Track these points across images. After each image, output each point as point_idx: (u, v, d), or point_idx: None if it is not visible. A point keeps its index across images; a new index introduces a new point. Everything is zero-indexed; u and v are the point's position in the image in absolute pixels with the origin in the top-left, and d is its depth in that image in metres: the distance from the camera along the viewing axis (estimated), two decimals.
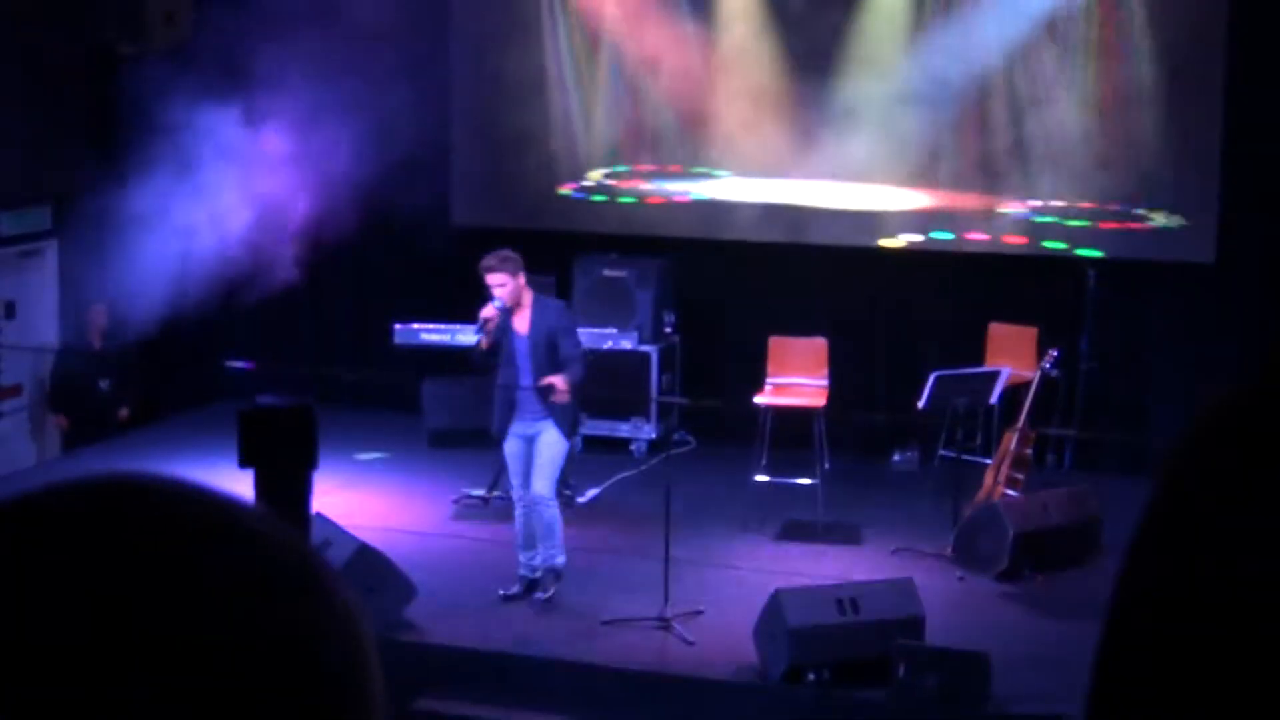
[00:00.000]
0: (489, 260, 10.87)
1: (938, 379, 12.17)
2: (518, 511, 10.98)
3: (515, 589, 10.91)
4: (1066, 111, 14.12)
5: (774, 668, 9.57)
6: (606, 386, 14.08)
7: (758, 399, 13.21)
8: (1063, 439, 13.69)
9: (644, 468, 13.77)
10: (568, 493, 13.07)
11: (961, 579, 11.31)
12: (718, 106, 14.81)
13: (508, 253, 10.91)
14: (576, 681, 9.83)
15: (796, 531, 12.40)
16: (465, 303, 13.91)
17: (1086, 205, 14.15)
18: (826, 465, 12.92)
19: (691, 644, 10.12)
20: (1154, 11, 13.86)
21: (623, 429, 14.66)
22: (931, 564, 11.59)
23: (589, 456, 14.19)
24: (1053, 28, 14.12)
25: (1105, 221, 14.13)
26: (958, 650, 9.55)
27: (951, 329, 14.05)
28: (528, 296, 10.86)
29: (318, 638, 0.90)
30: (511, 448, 10.94)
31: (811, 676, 9.45)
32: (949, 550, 11.72)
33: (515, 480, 10.98)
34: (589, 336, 13.66)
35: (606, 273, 14.65)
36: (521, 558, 10.99)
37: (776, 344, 13.73)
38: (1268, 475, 0.75)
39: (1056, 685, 9.55)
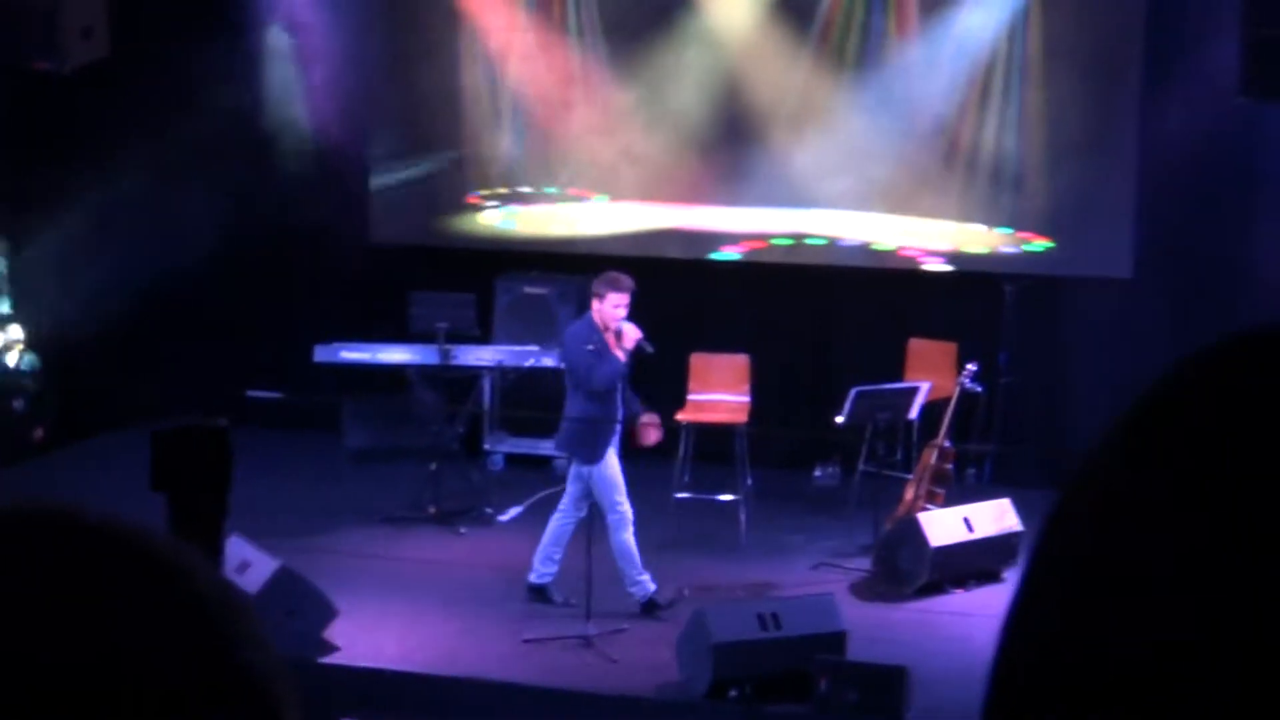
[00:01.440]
0: (624, 281, 10.90)
1: (858, 394, 12.23)
2: (626, 535, 10.93)
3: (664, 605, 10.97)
4: (984, 130, 14.21)
5: (697, 684, 9.57)
6: (528, 404, 14.07)
7: (679, 416, 13.22)
8: (982, 453, 13.77)
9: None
10: (489, 511, 13.04)
11: (881, 593, 11.35)
12: (633, 129, 14.84)
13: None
14: (498, 701, 9.78)
15: (718, 548, 12.41)
16: (383, 321, 13.91)
17: (1002, 223, 14.24)
18: (748, 481, 12.94)
19: (614, 661, 10.11)
20: (1070, 31, 13.97)
21: (544, 447, 14.62)
22: (852, 579, 11.63)
23: (510, 475, 14.18)
24: (973, 49, 14.21)
25: (1023, 237, 14.23)
26: (878, 665, 9.57)
27: (871, 345, 14.10)
28: None
29: (225, 671, 0.89)
30: (613, 470, 10.92)
31: (734, 693, 9.45)
32: (869, 565, 11.76)
33: (626, 504, 10.95)
34: (509, 354, 13.65)
35: (527, 290, 14.63)
36: (642, 578, 11.01)
37: (698, 360, 13.75)
38: (1162, 484, 0.75)
39: (976, 699, 9.57)
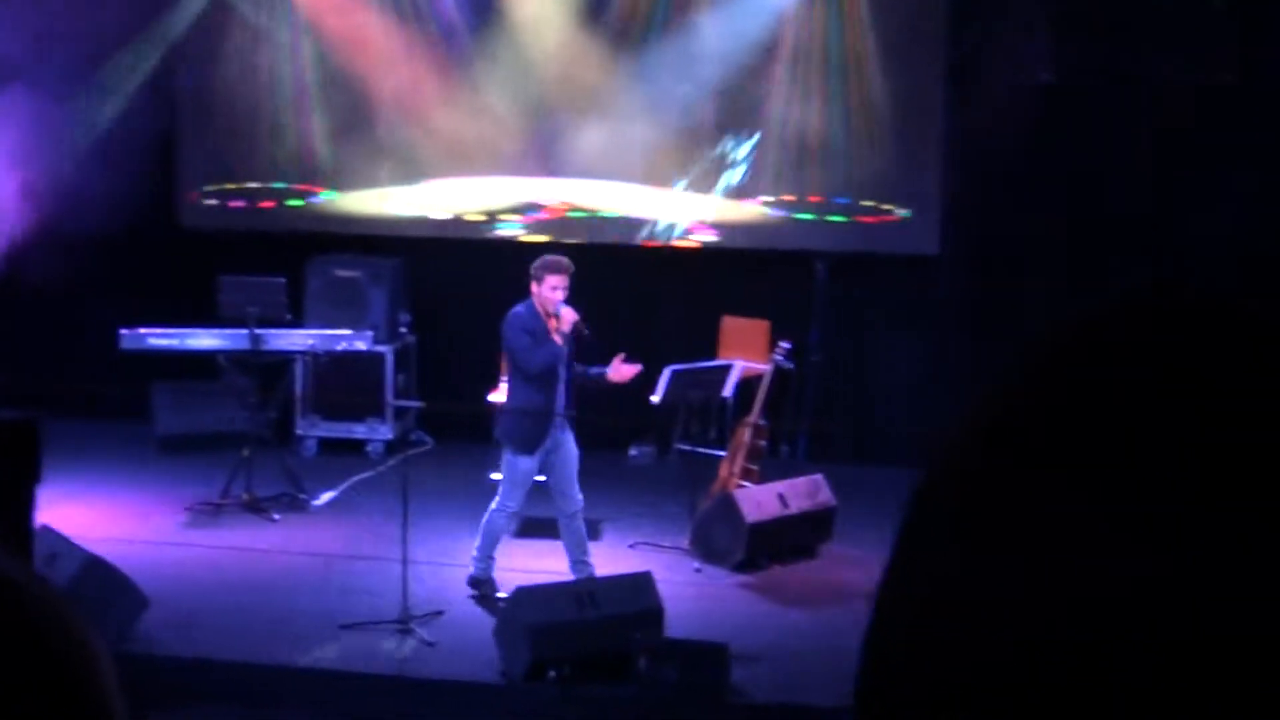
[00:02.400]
0: (563, 263, 10.68)
1: (673, 373, 12.27)
2: (502, 520, 10.83)
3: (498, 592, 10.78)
4: (795, 108, 14.33)
5: (515, 666, 9.55)
6: (341, 388, 13.96)
7: (493, 397, 13.18)
8: (795, 430, 13.89)
9: (381, 469, 13.63)
10: (303, 497, 12.92)
11: (699, 570, 11.41)
12: (446, 110, 14.79)
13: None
14: (316, 688, 9.70)
15: (535, 528, 12.39)
16: (191, 305, 13.70)
17: (814, 199, 14.38)
18: None
19: (432, 645, 10.06)
20: (874, 6, 14.12)
21: (358, 430, 14.55)
22: (669, 557, 11.68)
23: (324, 459, 14.07)
24: (785, 28, 14.32)
25: (832, 215, 14.37)
26: (697, 642, 9.63)
27: (685, 323, 14.17)
28: None
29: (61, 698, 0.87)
30: (530, 464, 10.74)
31: (553, 674, 9.45)
32: (686, 543, 11.82)
33: (521, 498, 10.80)
34: (321, 338, 13.52)
35: (339, 273, 14.51)
36: (484, 556, 10.90)
37: None
38: (1018, 475, 0.75)
39: (795, 674, 9.70)
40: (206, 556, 11.69)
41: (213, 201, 15.21)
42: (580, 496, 10.83)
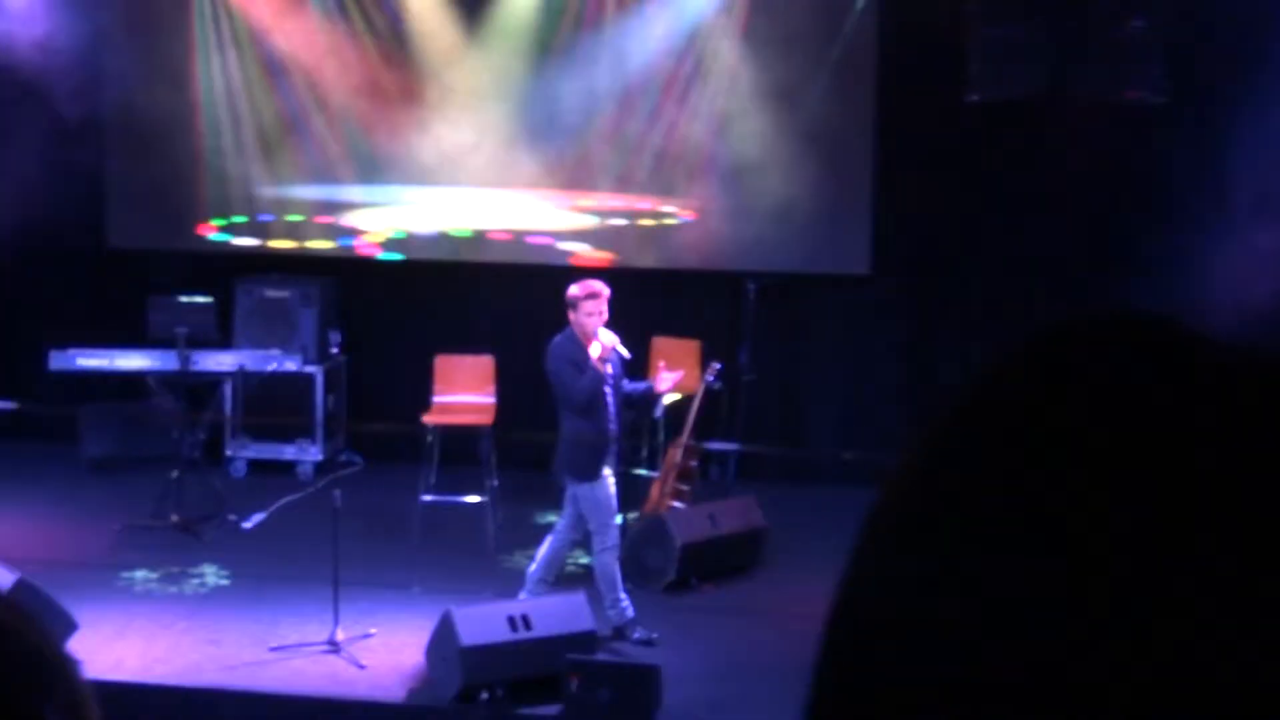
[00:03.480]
0: (600, 287, 10.36)
1: None
2: (608, 558, 10.48)
3: (635, 634, 10.55)
4: (723, 129, 14.38)
5: (447, 688, 9.52)
6: (271, 409, 13.90)
7: (425, 418, 13.16)
8: (726, 451, 13.91)
9: (310, 490, 13.59)
10: (233, 518, 12.84)
11: (631, 590, 11.40)
12: (375, 128, 14.80)
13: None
14: (246, 711, 9.64)
15: (467, 549, 12.37)
16: (120, 326, 13.62)
17: (743, 220, 14.42)
18: (494, 483, 12.92)
19: (363, 667, 10.02)
20: (808, 31, 14.18)
21: (287, 452, 14.49)
22: None
23: (254, 480, 13.99)
24: (708, 48, 14.37)
25: (764, 235, 14.41)
26: (629, 664, 9.63)
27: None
28: None
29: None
30: (605, 492, 10.40)
31: (485, 696, 9.43)
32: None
33: (614, 527, 10.50)
34: (251, 359, 13.46)
35: (269, 293, 14.46)
36: (621, 602, 10.59)
37: (442, 362, 13.69)
38: (971, 492, 0.77)
39: (727, 694, 9.71)
40: (134, 580, 11.60)
41: (141, 222, 15.10)
42: (616, 531, 10.56)
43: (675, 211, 14.62)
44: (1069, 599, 0.71)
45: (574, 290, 10.43)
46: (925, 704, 0.74)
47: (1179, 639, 0.70)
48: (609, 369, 10.38)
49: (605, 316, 10.32)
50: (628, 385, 10.57)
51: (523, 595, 10.63)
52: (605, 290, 10.38)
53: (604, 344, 10.27)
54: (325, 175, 14.99)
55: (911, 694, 0.75)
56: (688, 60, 14.42)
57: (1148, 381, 0.76)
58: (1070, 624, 0.71)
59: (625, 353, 10.41)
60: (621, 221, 14.73)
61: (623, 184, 14.64)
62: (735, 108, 14.37)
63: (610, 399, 10.40)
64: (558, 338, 10.45)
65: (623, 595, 10.58)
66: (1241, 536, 0.71)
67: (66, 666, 0.93)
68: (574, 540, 10.72)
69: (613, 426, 10.42)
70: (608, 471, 10.42)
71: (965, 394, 0.82)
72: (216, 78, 14.92)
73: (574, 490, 10.48)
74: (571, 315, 10.37)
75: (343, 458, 13.95)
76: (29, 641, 0.91)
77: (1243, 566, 0.70)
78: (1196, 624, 0.70)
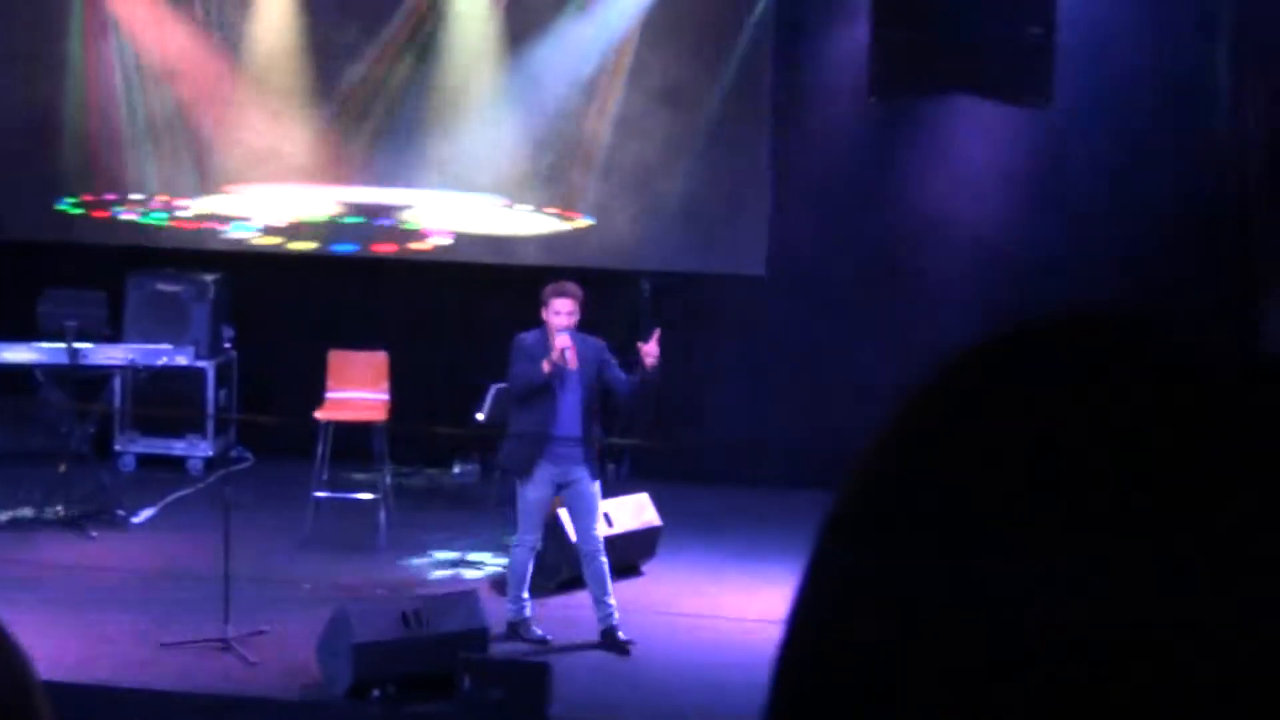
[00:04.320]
0: (565, 286, 10.26)
1: (498, 391, 12.27)
2: (522, 554, 10.40)
3: (531, 631, 10.49)
4: (621, 131, 14.40)
5: (338, 685, 9.47)
6: (161, 403, 13.78)
7: (317, 414, 13.08)
8: (622, 448, 13.93)
9: (201, 486, 13.50)
10: (121, 513, 12.72)
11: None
12: (257, 121, 14.72)
13: (576, 283, 10.42)
14: (136, 708, 9.55)
15: (359, 546, 12.32)
16: (10, 319, 13.45)
17: (639, 220, 14.46)
18: (388, 479, 12.87)
19: (254, 664, 9.95)
20: (703, 35, 14.23)
21: (178, 446, 14.37)
22: (495, 575, 11.65)
23: (143, 475, 13.87)
24: (611, 54, 14.40)
25: (659, 233, 14.44)
26: (521, 661, 9.63)
27: (511, 340, 14.15)
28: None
29: None
30: (536, 494, 10.29)
31: (376, 693, 9.39)
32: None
33: (535, 528, 10.38)
34: (141, 353, 13.33)
35: (160, 287, 14.32)
36: (518, 601, 10.49)
37: (336, 357, 13.61)
38: (928, 488, 0.76)
39: (618, 692, 9.73)
40: (21, 574, 11.46)
41: (30, 213, 14.93)
42: (599, 536, 10.44)
43: (566, 212, 14.62)
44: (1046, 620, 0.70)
45: (546, 289, 10.39)
46: (882, 705, 0.73)
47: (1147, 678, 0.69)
48: (571, 368, 10.21)
49: (571, 318, 10.19)
50: (624, 384, 10.40)
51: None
52: (574, 291, 10.30)
53: (557, 344, 10.16)
54: (215, 171, 14.87)
55: (870, 697, 0.74)
56: (590, 60, 14.42)
57: (1122, 384, 0.75)
58: (1079, 655, 0.70)
59: (564, 363, 10.19)
60: (514, 220, 14.71)
61: (516, 184, 14.61)
62: (633, 109, 14.38)
63: (565, 399, 10.27)
64: (525, 332, 10.42)
65: (525, 594, 10.54)
66: (1229, 557, 0.70)
67: (9, 647, 0.92)
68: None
69: (565, 428, 10.27)
70: (557, 473, 10.29)
71: (918, 400, 0.81)
72: (105, 69, 14.77)
73: (596, 483, 10.44)
74: (543, 312, 10.32)
75: (234, 453, 13.91)
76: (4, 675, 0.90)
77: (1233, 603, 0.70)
78: (1159, 657, 0.69)
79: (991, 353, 0.80)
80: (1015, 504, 0.73)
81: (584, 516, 10.44)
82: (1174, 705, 0.68)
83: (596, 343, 10.45)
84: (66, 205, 14.94)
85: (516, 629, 10.52)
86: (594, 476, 10.37)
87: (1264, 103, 12.71)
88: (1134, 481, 0.72)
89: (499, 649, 10.09)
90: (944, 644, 0.72)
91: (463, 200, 14.73)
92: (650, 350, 10.24)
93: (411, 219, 14.84)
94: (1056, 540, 0.72)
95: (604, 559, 10.44)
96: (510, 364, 10.43)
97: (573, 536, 10.66)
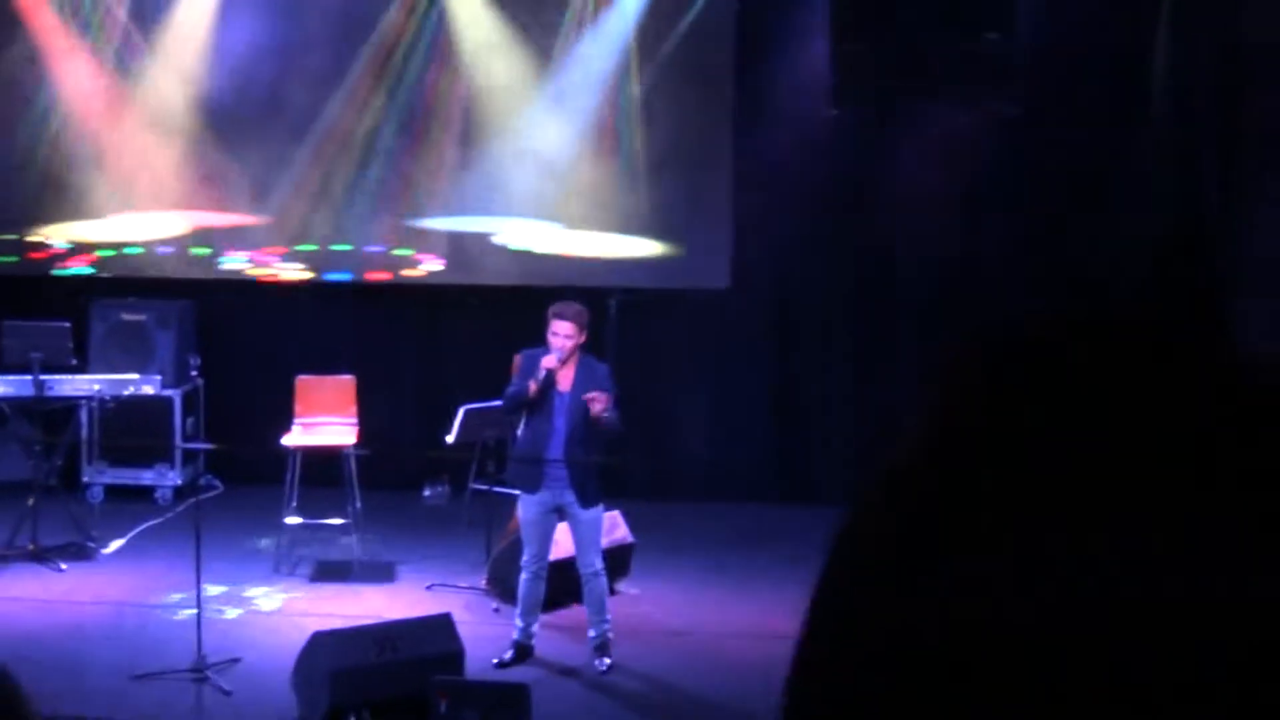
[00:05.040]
0: (564, 308, 10.18)
1: (467, 413, 12.24)
2: (525, 577, 10.35)
3: (509, 655, 10.41)
4: (579, 144, 14.40)
5: (314, 712, 9.42)
6: (128, 433, 13.71)
7: (285, 440, 13.04)
8: (590, 464, 13.90)
9: (170, 515, 13.44)
10: (91, 545, 12.66)
11: (497, 610, 11.36)
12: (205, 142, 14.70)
13: (581, 306, 10.30)
14: None
15: (330, 572, 12.28)
16: None
17: (607, 235, 14.46)
18: (358, 504, 12.82)
19: (229, 693, 9.90)
20: (663, 45, 14.23)
21: (146, 476, 14.32)
22: (468, 597, 11.62)
23: (111, 506, 13.81)
24: (566, 63, 14.39)
25: (626, 250, 14.46)
26: (498, 683, 9.59)
27: (478, 361, 14.14)
28: (576, 355, 10.17)
29: None
30: (529, 514, 10.29)
31: (352, 719, 9.35)
32: (483, 583, 11.77)
33: (531, 549, 10.31)
34: (107, 383, 13.27)
35: (125, 316, 14.28)
36: (519, 623, 10.45)
37: (303, 383, 13.57)
38: (941, 507, 0.75)
39: (596, 712, 9.70)
40: None
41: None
42: (595, 560, 10.40)
43: (528, 230, 14.61)
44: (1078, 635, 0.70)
45: (551, 309, 10.34)
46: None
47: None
48: (563, 390, 10.17)
49: (569, 340, 10.11)
50: (604, 422, 10.24)
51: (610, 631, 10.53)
52: (573, 314, 10.20)
53: (544, 364, 10.11)
54: (179, 199, 14.82)
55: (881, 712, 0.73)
56: (554, 74, 14.42)
57: (1142, 388, 0.74)
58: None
59: (537, 383, 10.11)
60: (479, 239, 14.69)
61: (480, 202, 14.59)
62: (594, 125, 14.38)
63: (556, 423, 10.22)
64: (534, 349, 10.34)
65: (521, 618, 10.52)
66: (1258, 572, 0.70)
67: (10, 686, 0.90)
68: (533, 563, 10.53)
69: (553, 452, 10.22)
70: (549, 496, 10.25)
71: (930, 415, 0.79)
72: (61, 91, 14.74)
73: (596, 507, 10.41)
74: (548, 333, 10.25)
75: (202, 481, 13.85)
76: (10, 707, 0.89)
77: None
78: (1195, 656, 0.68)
79: (1006, 360, 0.79)
80: (1075, 502, 0.72)
81: (579, 540, 10.41)
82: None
83: (603, 370, 10.41)
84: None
85: (517, 650, 10.51)
86: (587, 501, 10.29)
87: (1216, 101, 12.77)
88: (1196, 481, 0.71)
89: (493, 670, 10.09)
90: (974, 651, 0.71)
91: (425, 221, 14.71)
92: (596, 399, 10.15)
93: (371, 242, 14.80)
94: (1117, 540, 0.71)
95: (602, 581, 10.42)
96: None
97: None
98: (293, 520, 12.70)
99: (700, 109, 14.17)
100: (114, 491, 14.17)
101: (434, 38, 14.54)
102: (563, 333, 10.12)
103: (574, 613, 11.15)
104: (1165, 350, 0.76)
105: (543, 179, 14.47)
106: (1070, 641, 0.69)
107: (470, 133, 14.56)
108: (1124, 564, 0.70)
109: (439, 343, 14.66)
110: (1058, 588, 0.70)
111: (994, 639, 0.71)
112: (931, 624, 0.72)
